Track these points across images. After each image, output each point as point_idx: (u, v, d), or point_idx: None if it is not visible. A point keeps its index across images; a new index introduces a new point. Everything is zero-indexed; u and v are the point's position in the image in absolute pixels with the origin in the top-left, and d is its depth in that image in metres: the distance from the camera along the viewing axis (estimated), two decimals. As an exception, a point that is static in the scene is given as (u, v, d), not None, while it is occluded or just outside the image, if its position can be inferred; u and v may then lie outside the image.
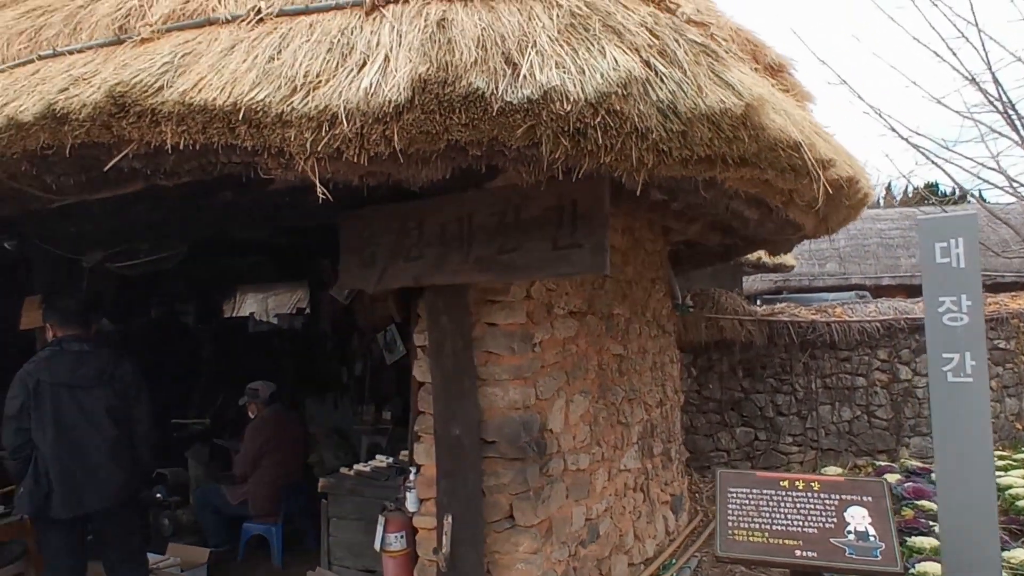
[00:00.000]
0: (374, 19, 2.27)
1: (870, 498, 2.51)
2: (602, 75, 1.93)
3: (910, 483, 5.87)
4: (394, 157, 2.16)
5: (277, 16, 2.35)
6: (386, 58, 2.10)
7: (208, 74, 2.18)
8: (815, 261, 17.24)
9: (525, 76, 1.98)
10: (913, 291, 11.90)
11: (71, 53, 2.54)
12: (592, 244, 2.69)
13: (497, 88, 1.97)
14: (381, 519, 3.51)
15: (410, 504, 3.51)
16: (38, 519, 3.45)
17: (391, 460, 4.13)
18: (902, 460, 6.71)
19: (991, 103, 9.53)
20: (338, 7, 2.33)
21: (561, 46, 2.05)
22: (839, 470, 6.48)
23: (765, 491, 2.58)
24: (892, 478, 6.14)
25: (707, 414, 6.85)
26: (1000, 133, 9.04)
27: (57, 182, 2.67)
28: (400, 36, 2.15)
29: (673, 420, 5.57)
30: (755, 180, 2.59)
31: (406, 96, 1.99)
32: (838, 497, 2.51)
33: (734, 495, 2.64)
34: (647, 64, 1.99)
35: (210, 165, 2.41)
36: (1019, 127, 9.01)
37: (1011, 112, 9.28)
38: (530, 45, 2.06)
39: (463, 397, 3.21)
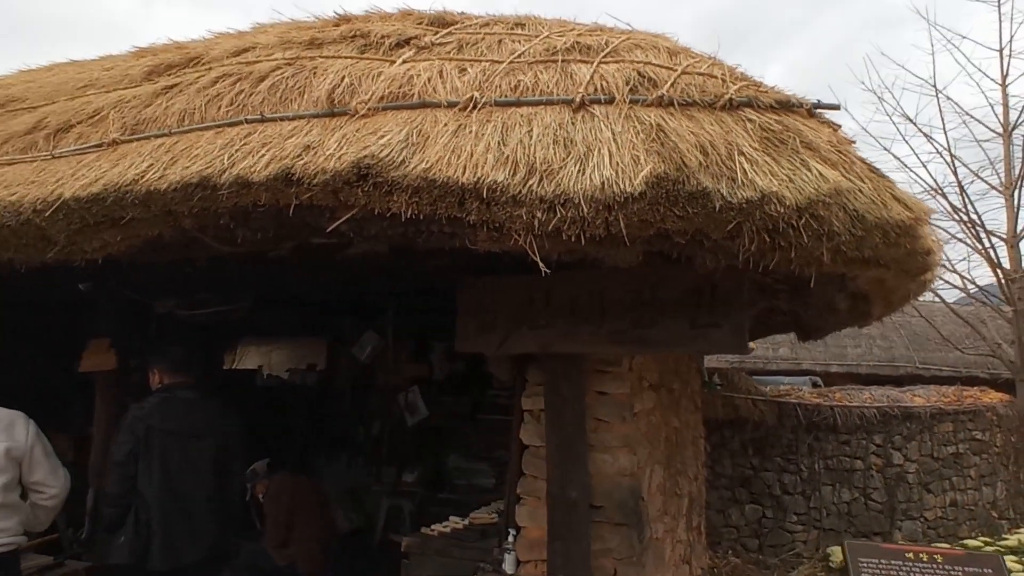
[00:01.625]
0: (582, 116, 2.57)
1: (989, 570, 2.79)
2: (815, 185, 2.25)
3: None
4: (608, 240, 2.41)
5: (493, 106, 2.62)
6: (609, 152, 2.38)
7: (445, 153, 2.41)
8: (768, 345, 18.01)
9: (742, 180, 2.28)
10: (858, 379, 12.66)
11: (281, 120, 2.74)
12: (731, 325, 2.97)
13: (720, 188, 2.27)
14: (479, 580, 3.59)
15: (508, 566, 3.61)
16: (121, 572, 3.40)
17: (466, 522, 4.21)
18: (901, 543, 7.06)
19: (953, 214, 10.49)
20: (549, 103, 2.63)
21: (763, 155, 2.38)
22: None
23: (894, 561, 2.83)
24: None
25: (719, 490, 7.09)
26: (959, 239, 9.96)
27: (243, 236, 2.81)
28: (615, 134, 2.45)
29: (702, 494, 5.80)
30: (878, 278, 2.95)
31: (640, 189, 2.27)
32: (961, 569, 2.78)
33: (866, 564, 2.87)
34: (846, 178, 2.33)
35: (417, 233, 2.61)
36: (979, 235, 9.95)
37: (973, 222, 10.23)
38: (736, 153, 2.38)
39: (578, 462, 3.39)
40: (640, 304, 3.19)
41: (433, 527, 4.11)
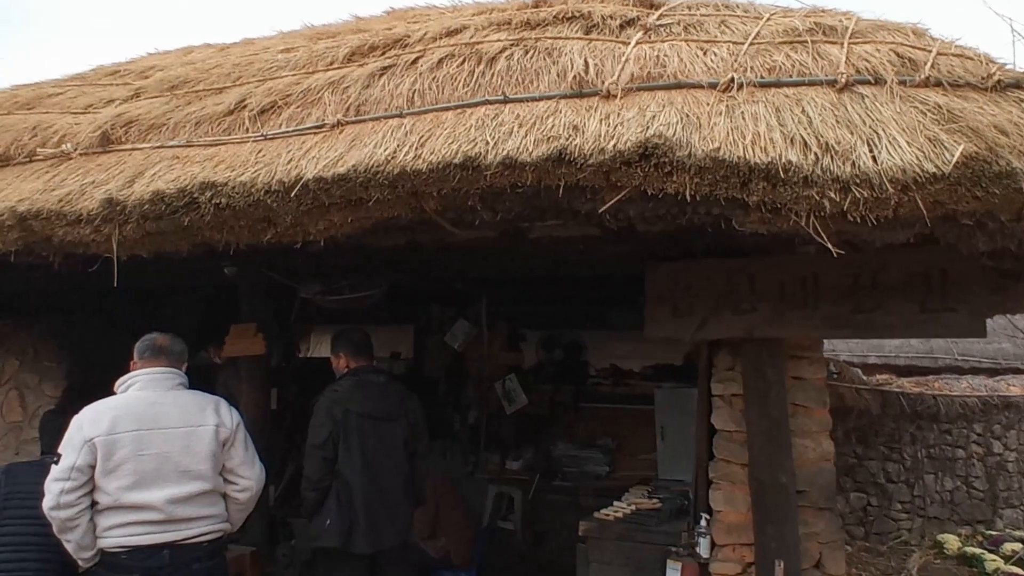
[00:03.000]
0: (849, 97, 2.50)
1: None
2: None
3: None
4: (889, 222, 2.35)
5: (753, 86, 2.56)
6: (899, 133, 2.31)
7: (728, 133, 2.35)
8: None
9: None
10: (897, 371, 12.50)
11: (526, 101, 2.69)
12: (968, 309, 2.92)
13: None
14: (675, 564, 3.56)
15: (703, 550, 3.58)
16: (327, 555, 3.38)
17: (631, 507, 4.17)
18: (1009, 530, 7.01)
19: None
20: (811, 83, 2.56)
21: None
22: (955, 538, 6.72)
23: None
24: (1011, 546, 6.42)
25: (822, 478, 7.03)
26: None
27: (484, 219, 2.77)
28: (896, 114, 2.38)
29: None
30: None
31: (948, 170, 2.20)
32: None
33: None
34: None
35: (680, 214, 2.56)
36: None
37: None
38: (1027, 131, 2.30)
39: (785, 447, 3.34)
40: (860, 288, 3.13)
41: (602, 512, 4.08)
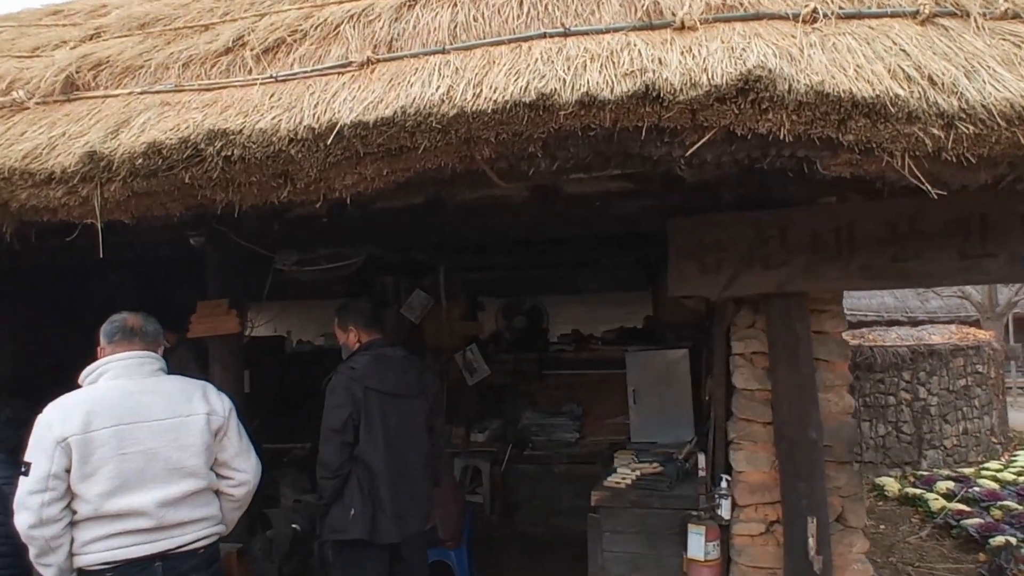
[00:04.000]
0: (932, 29, 2.41)
1: None
2: None
3: (977, 487, 6.61)
4: (979, 162, 2.29)
5: (836, 17, 2.42)
6: (1000, 65, 2.24)
7: (828, 67, 2.20)
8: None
9: None
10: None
11: (588, 34, 2.44)
12: (1007, 255, 2.94)
13: None
14: (697, 528, 3.48)
15: (725, 512, 3.51)
16: (351, 548, 3.06)
17: (636, 474, 4.06)
18: (936, 470, 7.51)
19: None
20: (893, 14, 2.45)
21: None
22: (893, 480, 7.13)
23: None
24: (943, 484, 6.87)
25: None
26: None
27: (540, 167, 2.51)
28: (988, 46, 2.32)
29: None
30: None
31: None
32: None
33: None
34: None
35: (762, 156, 2.40)
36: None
37: None
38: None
39: (813, 402, 3.30)
40: (898, 237, 3.10)
41: (611, 480, 3.95)
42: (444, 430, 3.39)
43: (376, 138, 2.34)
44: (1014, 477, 7.09)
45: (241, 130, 2.39)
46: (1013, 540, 4.92)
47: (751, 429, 3.50)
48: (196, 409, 2.59)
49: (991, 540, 4.98)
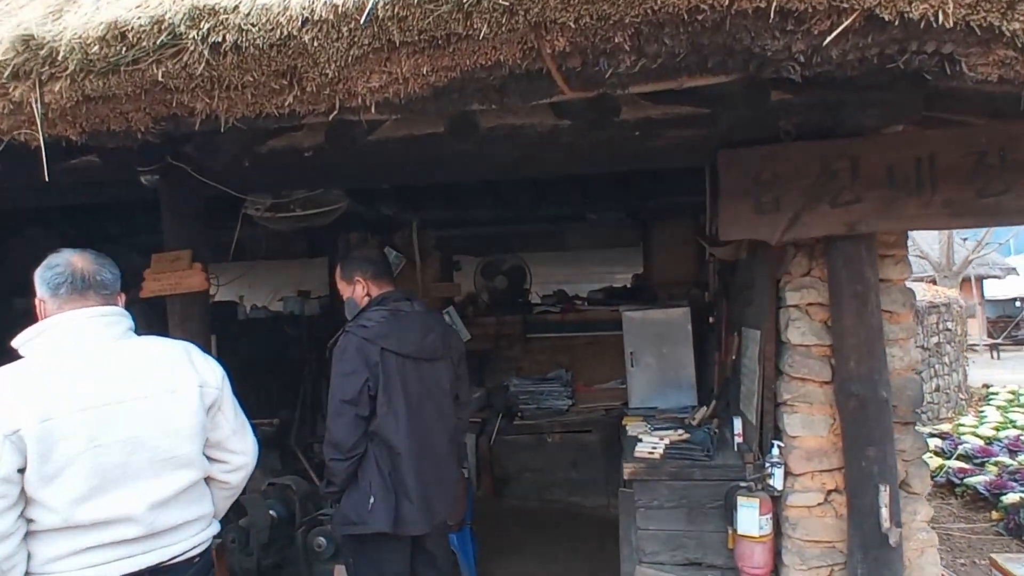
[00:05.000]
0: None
1: None
2: None
3: (966, 444, 6.53)
4: None
5: None
6: None
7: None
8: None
9: None
10: None
11: None
12: (1111, 187, 2.62)
13: None
14: (750, 501, 3.11)
15: (777, 481, 3.15)
16: (371, 543, 2.53)
17: (665, 442, 3.65)
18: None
19: None
20: None
21: None
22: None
23: None
24: (931, 442, 6.79)
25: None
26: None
27: (623, 64, 2.00)
28: None
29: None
30: None
31: None
32: None
33: None
34: None
35: (900, 54, 1.96)
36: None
37: None
38: None
39: (882, 358, 2.95)
40: (985, 169, 2.74)
41: (640, 451, 3.54)
42: (470, 400, 2.89)
43: (420, 21, 1.79)
44: (993, 432, 7.09)
45: (236, 7, 1.80)
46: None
47: (806, 389, 3.13)
48: (184, 380, 2.00)
49: (1003, 498, 4.84)
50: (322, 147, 3.09)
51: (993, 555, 3.49)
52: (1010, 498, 4.80)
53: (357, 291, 2.70)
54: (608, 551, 4.47)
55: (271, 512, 4.11)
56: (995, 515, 4.81)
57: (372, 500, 2.43)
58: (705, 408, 4.43)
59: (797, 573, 3.11)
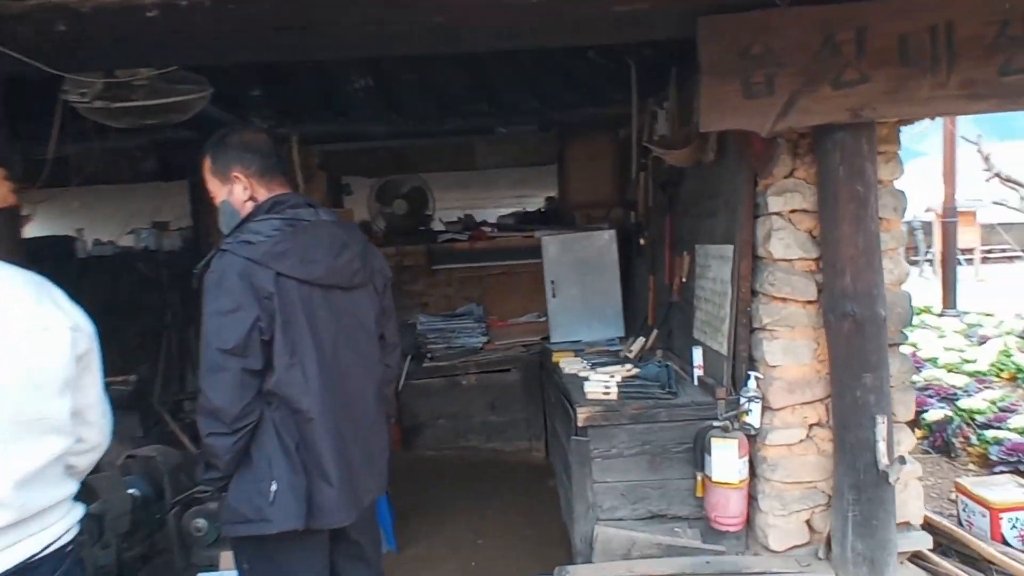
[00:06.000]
0: None
1: None
2: None
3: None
4: None
5: None
6: None
7: None
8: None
9: None
10: None
11: None
12: None
13: None
14: (726, 442, 2.66)
15: (754, 418, 2.72)
16: (273, 544, 1.81)
17: (616, 379, 3.13)
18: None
19: None
20: None
21: None
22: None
23: None
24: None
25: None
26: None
27: None
28: None
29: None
30: None
31: None
32: None
33: None
34: None
35: None
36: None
37: None
38: None
39: (879, 270, 2.54)
40: (1010, 40, 2.30)
41: (590, 391, 3.00)
42: (399, 340, 2.21)
43: None
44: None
45: None
46: (950, 413, 4.77)
47: (789, 311, 2.69)
48: (53, 320, 1.41)
49: (923, 415, 4.79)
50: (171, 6, 2.21)
51: (958, 480, 3.29)
52: (933, 415, 4.75)
53: (236, 192, 1.91)
54: (545, 502, 4.00)
55: (132, 492, 3.29)
56: (919, 433, 4.75)
57: (274, 488, 1.73)
58: (643, 339, 3.98)
59: (776, 520, 2.73)
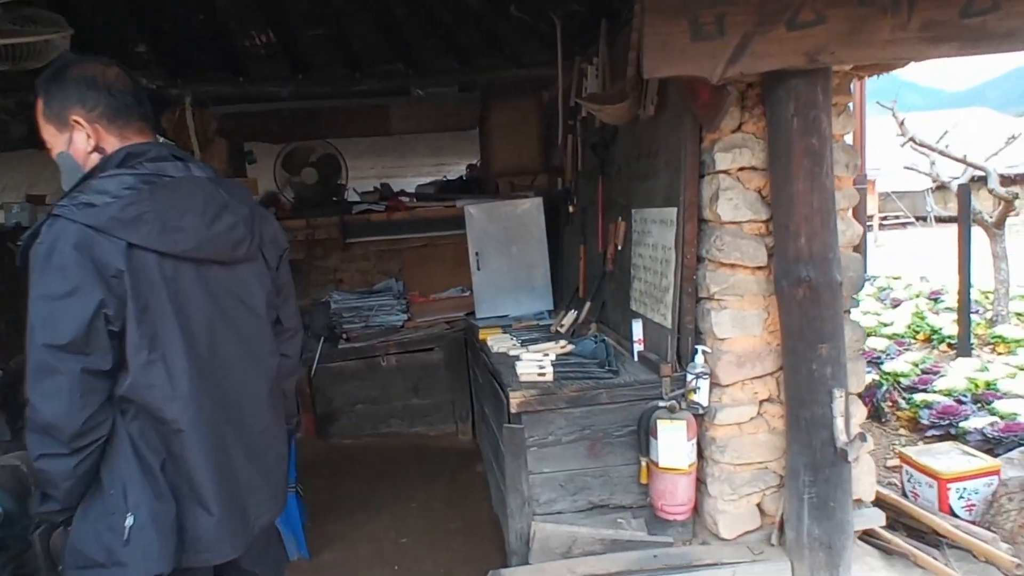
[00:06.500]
0: None
1: None
2: None
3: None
4: None
5: None
6: None
7: None
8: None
9: None
10: None
11: None
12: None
13: None
14: (674, 424, 2.43)
15: (703, 396, 2.50)
16: None
17: (550, 357, 2.86)
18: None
19: None
20: None
21: None
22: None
23: None
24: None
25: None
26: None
27: None
28: None
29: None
30: None
31: None
32: None
33: None
34: None
35: None
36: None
37: None
38: None
39: (834, 231, 2.33)
40: (972, -22, 2.12)
41: (524, 373, 2.71)
42: (299, 325, 1.82)
43: None
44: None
45: None
46: (877, 377, 4.76)
47: (737, 278, 2.47)
48: None
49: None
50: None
51: (902, 450, 3.19)
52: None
53: (77, 142, 1.48)
54: (475, 489, 3.71)
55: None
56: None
57: (129, 522, 1.34)
58: (575, 312, 3.72)
59: (726, 505, 2.53)
